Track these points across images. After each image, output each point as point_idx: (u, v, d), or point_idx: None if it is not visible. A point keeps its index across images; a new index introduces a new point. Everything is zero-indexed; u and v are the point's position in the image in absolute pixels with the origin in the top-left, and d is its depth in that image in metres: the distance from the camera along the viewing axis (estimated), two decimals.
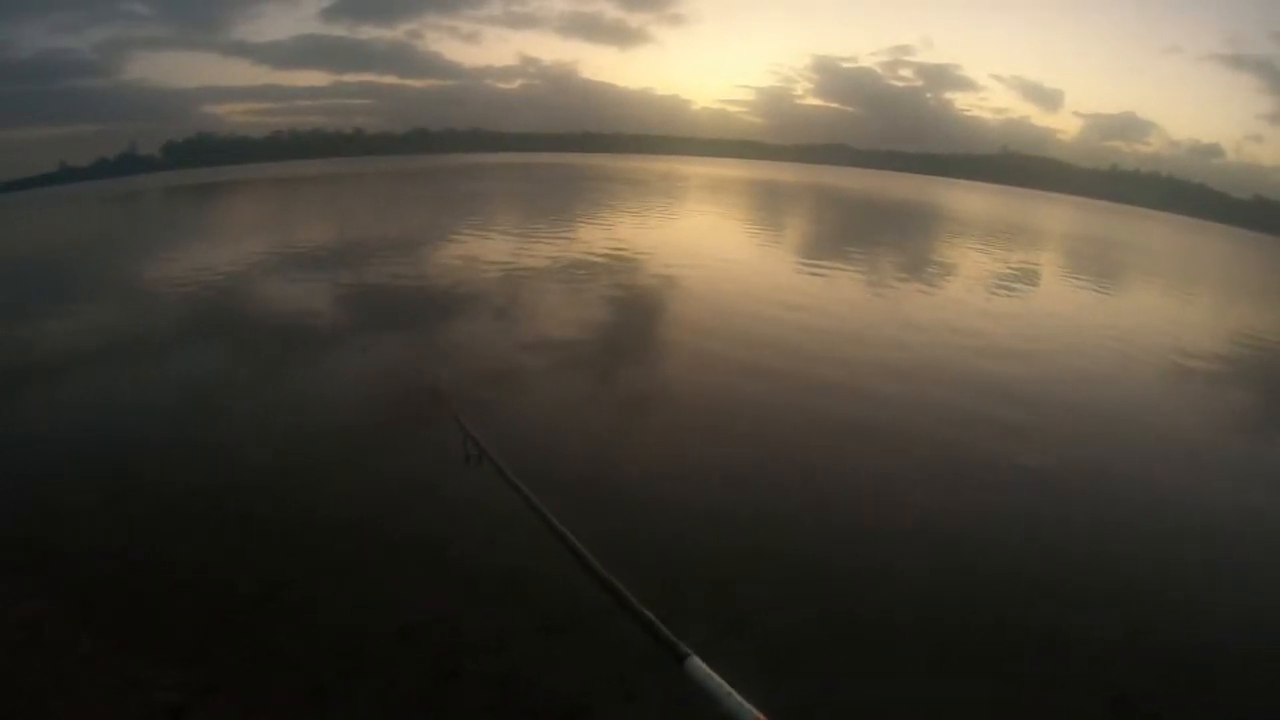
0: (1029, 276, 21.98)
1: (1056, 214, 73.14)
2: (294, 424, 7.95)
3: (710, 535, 5.75)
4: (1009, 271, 22.31)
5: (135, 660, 4.23)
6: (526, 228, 25.73)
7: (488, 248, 20.23)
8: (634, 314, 13.21)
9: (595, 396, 8.98)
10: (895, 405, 8.97)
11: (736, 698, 1.36)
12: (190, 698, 3.96)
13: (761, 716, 1.28)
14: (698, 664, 1.45)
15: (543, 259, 18.32)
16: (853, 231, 33.73)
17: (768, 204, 47.58)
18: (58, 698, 3.94)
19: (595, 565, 1.90)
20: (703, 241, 23.94)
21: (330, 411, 8.34)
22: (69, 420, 8.25)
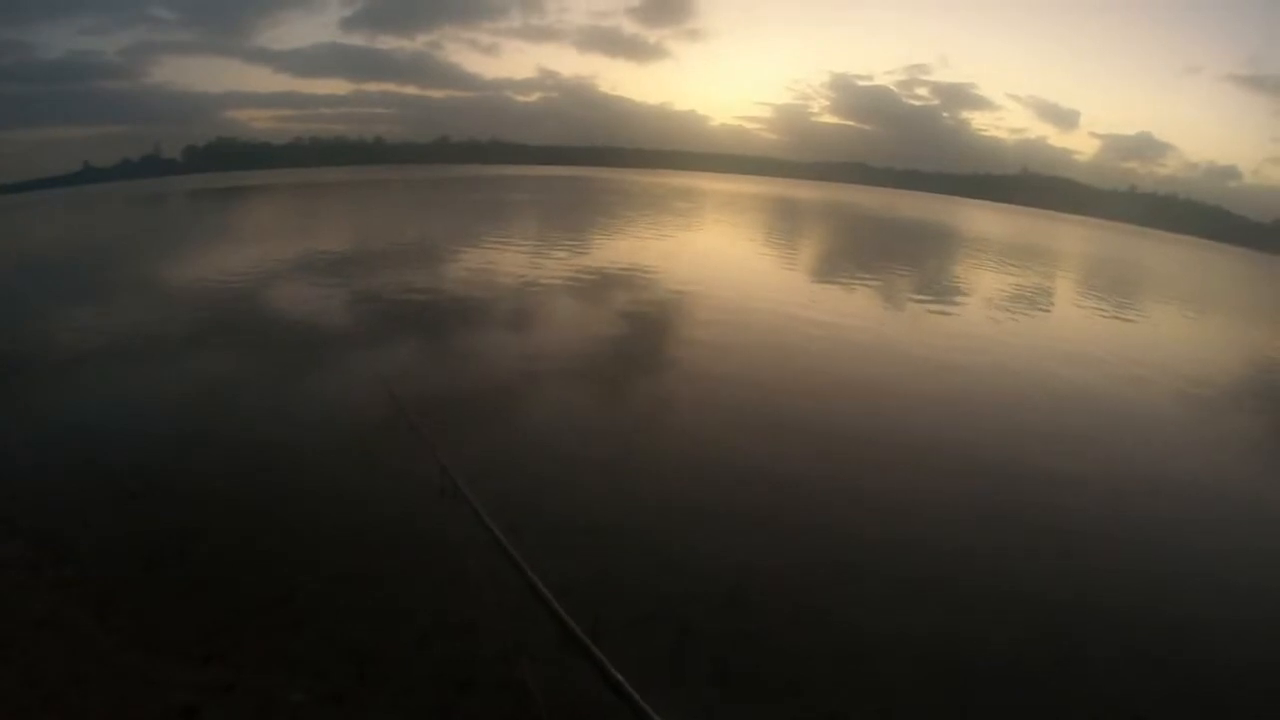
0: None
1: (1089, 237, 68.81)
2: (308, 432, 7.92)
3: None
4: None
5: (152, 658, 4.23)
6: (543, 240, 25.75)
7: (502, 260, 20.16)
8: (638, 338, 12.63)
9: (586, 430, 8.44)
10: None
11: None
12: (205, 698, 3.95)
13: None
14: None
15: (556, 275, 18.05)
16: (896, 254, 31.56)
17: (786, 220, 47.29)
18: (74, 694, 3.93)
19: (552, 603, 1.96)
20: (722, 261, 23.72)
21: (341, 421, 8.28)
22: (83, 418, 8.26)
